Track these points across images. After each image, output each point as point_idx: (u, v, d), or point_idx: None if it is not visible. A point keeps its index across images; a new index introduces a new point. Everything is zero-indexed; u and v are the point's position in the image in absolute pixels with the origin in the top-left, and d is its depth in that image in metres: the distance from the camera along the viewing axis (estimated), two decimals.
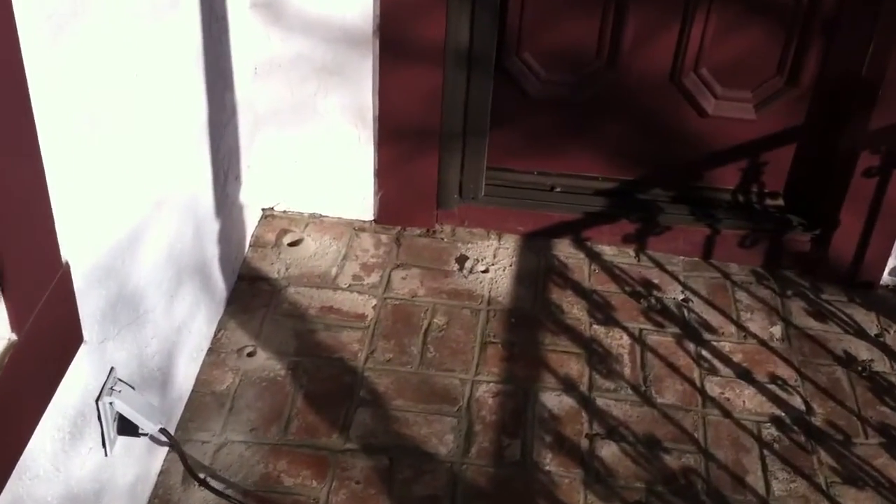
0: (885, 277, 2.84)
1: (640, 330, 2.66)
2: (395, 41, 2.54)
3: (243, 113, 2.57)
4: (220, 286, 2.56)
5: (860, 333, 2.71)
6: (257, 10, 2.52)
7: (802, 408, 2.47)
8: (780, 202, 2.85)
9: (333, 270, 2.77)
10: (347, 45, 2.56)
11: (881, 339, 2.69)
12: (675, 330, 2.67)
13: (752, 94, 2.68)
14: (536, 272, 2.83)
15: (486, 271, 2.81)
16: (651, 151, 2.81)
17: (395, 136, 2.72)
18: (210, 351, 2.49)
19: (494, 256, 2.87)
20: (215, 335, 2.53)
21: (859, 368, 2.59)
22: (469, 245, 2.91)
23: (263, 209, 2.92)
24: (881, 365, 2.62)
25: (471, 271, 2.81)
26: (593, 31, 2.61)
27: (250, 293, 2.67)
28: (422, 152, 2.75)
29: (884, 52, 2.45)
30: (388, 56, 2.56)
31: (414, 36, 2.52)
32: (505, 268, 2.84)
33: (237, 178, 2.59)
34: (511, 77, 2.71)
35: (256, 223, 2.89)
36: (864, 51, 2.52)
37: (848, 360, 2.62)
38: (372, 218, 2.92)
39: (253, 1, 2.51)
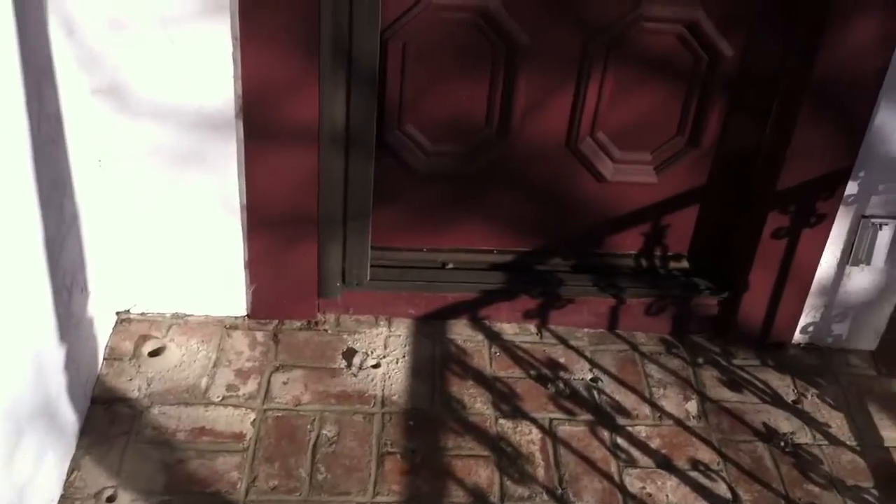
0: (797, 335, 2.70)
1: (551, 420, 2.44)
2: (261, 123, 2.23)
3: (87, 215, 2.21)
4: (71, 418, 2.20)
5: (777, 401, 2.56)
6: (100, 98, 2.16)
7: (728, 495, 2.30)
8: (686, 265, 2.68)
9: (203, 381, 2.44)
10: (207, 129, 2.24)
11: (799, 406, 2.55)
12: (588, 416, 2.46)
13: (652, 157, 2.49)
14: (433, 362, 2.56)
15: (377, 366, 2.53)
16: (548, 221, 2.59)
17: (267, 223, 2.41)
18: (62, 499, 2.12)
19: (385, 347, 2.59)
20: (68, 478, 2.17)
21: (781, 444, 2.43)
22: (356, 336, 2.62)
23: (118, 313, 2.56)
24: (803, 436, 2.47)
25: (360, 367, 2.52)
26: (481, 98, 2.37)
27: (107, 419, 2.31)
28: (298, 239, 2.45)
29: (789, 110, 2.30)
30: (254, 140, 2.26)
31: (282, 117, 2.22)
32: (398, 359, 2.56)
33: (83, 289, 2.23)
34: (394, 152, 2.44)
35: (110, 332, 2.52)
36: (767, 110, 2.37)
37: (769, 435, 2.46)
38: (245, 313, 2.60)
39: (93, 87, 2.15)
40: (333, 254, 2.49)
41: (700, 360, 2.67)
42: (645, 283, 2.65)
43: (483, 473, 2.28)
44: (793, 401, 2.57)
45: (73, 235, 2.11)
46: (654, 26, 2.26)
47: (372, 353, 2.57)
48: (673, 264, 2.68)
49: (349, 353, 2.55)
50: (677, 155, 2.48)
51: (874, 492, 2.33)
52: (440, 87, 2.35)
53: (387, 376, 2.51)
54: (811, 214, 2.42)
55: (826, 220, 2.42)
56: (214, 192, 2.35)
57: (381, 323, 2.66)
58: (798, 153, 2.32)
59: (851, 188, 2.40)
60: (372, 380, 2.49)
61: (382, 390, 2.47)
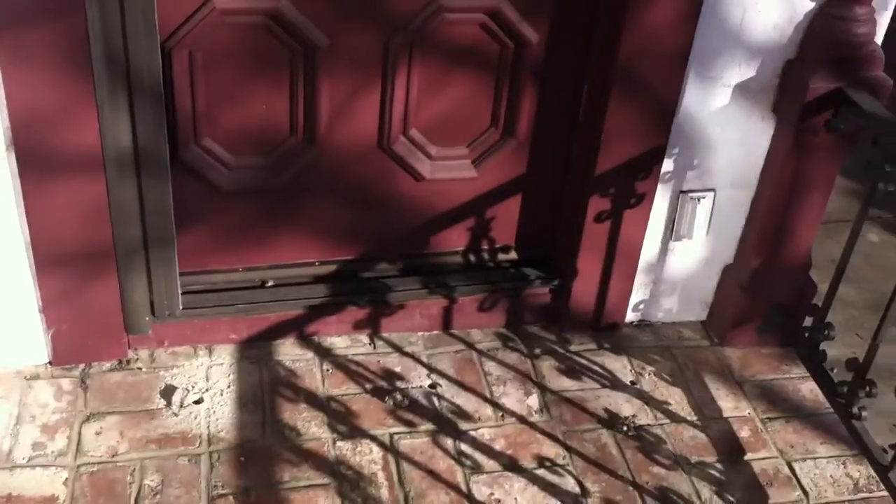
0: (629, 314, 2.69)
1: (391, 436, 2.32)
2: (36, 154, 2.00)
3: None
4: None
5: (617, 384, 2.54)
6: None
7: (577, 490, 2.25)
8: (514, 256, 2.61)
9: (6, 442, 2.19)
10: None
11: (637, 387, 2.54)
12: (429, 426, 2.36)
13: (469, 151, 2.40)
14: (261, 388, 2.40)
15: (199, 401, 2.35)
16: (370, 226, 2.46)
17: (57, 261, 2.18)
18: None
19: (207, 379, 2.41)
20: None
21: (624, 428, 2.41)
22: (174, 371, 2.42)
23: None
24: (644, 417, 2.45)
25: (181, 405, 2.33)
26: (283, 105, 2.21)
27: None
28: (95, 274, 2.22)
29: (600, 94, 2.25)
30: (31, 172, 2.03)
31: (59, 144, 2.00)
32: (222, 391, 2.38)
33: None
34: (193, 169, 2.25)
35: None
36: (579, 95, 2.32)
37: (611, 421, 2.43)
38: (47, 360, 2.35)
39: None
40: (137, 286, 2.28)
41: (538, 351, 2.61)
42: (475, 280, 2.56)
43: (324, 503, 2.15)
44: (631, 381, 2.55)
45: None
46: (455, 17, 2.16)
47: (193, 387, 2.38)
48: (502, 256, 2.61)
49: (168, 391, 2.35)
50: (494, 147, 2.39)
51: (718, 465, 2.34)
52: (237, 97, 2.17)
53: (211, 411, 2.33)
54: (631, 195, 2.39)
55: (646, 199, 2.40)
56: None
57: (201, 353, 2.47)
58: (612, 136, 2.28)
59: (667, 165, 2.39)
60: (195, 417, 2.31)
61: (208, 427, 2.29)
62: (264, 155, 2.29)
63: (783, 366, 2.65)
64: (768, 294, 2.57)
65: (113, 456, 2.19)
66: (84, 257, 2.18)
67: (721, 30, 2.18)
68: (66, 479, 2.13)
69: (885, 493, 2.21)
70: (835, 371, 2.35)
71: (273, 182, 2.31)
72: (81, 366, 2.38)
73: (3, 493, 2.08)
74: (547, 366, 2.57)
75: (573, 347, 2.64)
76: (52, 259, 2.16)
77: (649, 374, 2.58)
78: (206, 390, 2.38)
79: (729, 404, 2.52)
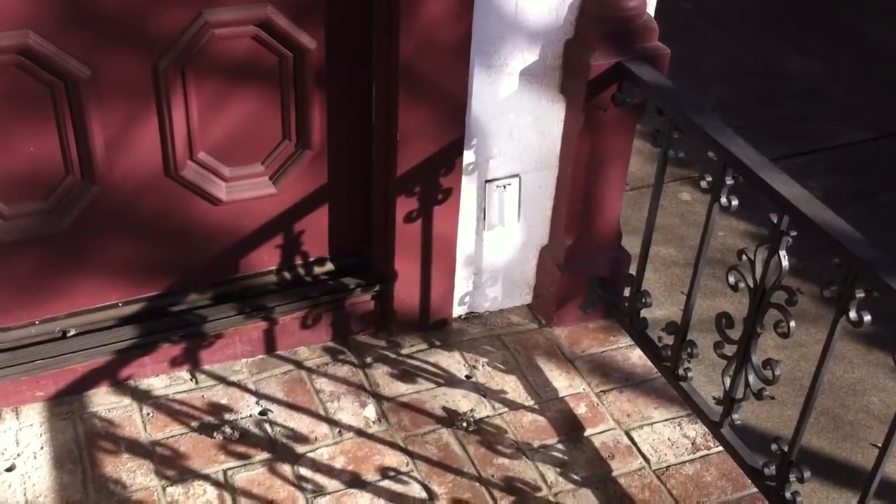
0: (457, 308, 2.67)
1: (225, 472, 2.23)
2: None
3: None
4: None
5: (451, 381, 2.51)
6: None
7: (424, 495, 2.22)
8: (331, 267, 2.55)
9: None
10: None
11: (473, 380, 2.52)
12: (264, 455, 2.27)
13: (265, 167, 2.32)
14: (77, 444, 2.26)
15: (11, 468, 2.19)
16: (171, 258, 2.35)
17: None
18: None
19: (17, 443, 2.25)
20: None
21: (464, 424, 2.39)
22: None
23: None
24: (483, 409, 2.44)
25: None
26: (53, 144, 2.06)
27: None
28: None
29: (387, 96, 2.21)
30: None
31: None
32: (35, 454, 2.23)
33: None
34: None
35: None
36: (367, 98, 2.26)
37: (450, 419, 2.41)
38: None
39: None
40: None
41: (369, 360, 2.56)
42: (293, 297, 2.48)
43: None
44: (466, 376, 2.53)
45: None
46: (224, 31, 2.06)
47: (2, 454, 2.21)
48: (318, 269, 2.54)
49: None
50: (290, 160, 2.31)
51: (560, 446, 2.35)
52: (0, 141, 2.01)
53: (26, 477, 2.17)
54: (437, 191, 2.36)
55: (453, 194, 2.38)
56: None
57: (7, 416, 2.31)
58: (408, 135, 2.23)
59: (469, 157, 2.37)
60: (10, 486, 2.15)
61: (24, 494, 2.13)
62: (41, 199, 2.13)
63: (610, 337, 2.69)
64: (585, 270, 2.60)
65: None
66: None
67: (498, 17, 2.16)
68: None
69: (721, 448, 2.26)
70: (661, 336, 2.39)
71: (55, 226, 2.17)
72: None
73: None
74: (380, 373, 2.52)
75: (404, 350, 2.59)
76: None
77: (483, 366, 2.57)
78: (18, 455, 2.22)
79: (563, 383, 2.53)
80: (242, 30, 2.08)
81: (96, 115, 2.05)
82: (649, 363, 2.51)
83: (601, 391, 2.52)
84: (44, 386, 2.30)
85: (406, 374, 2.53)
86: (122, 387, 2.40)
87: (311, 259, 2.52)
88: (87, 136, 2.07)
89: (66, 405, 2.34)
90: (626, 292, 2.49)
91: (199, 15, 2.01)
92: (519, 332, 2.69)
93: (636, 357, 2.61)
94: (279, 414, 2.38)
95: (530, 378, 2.54)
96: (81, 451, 2.24)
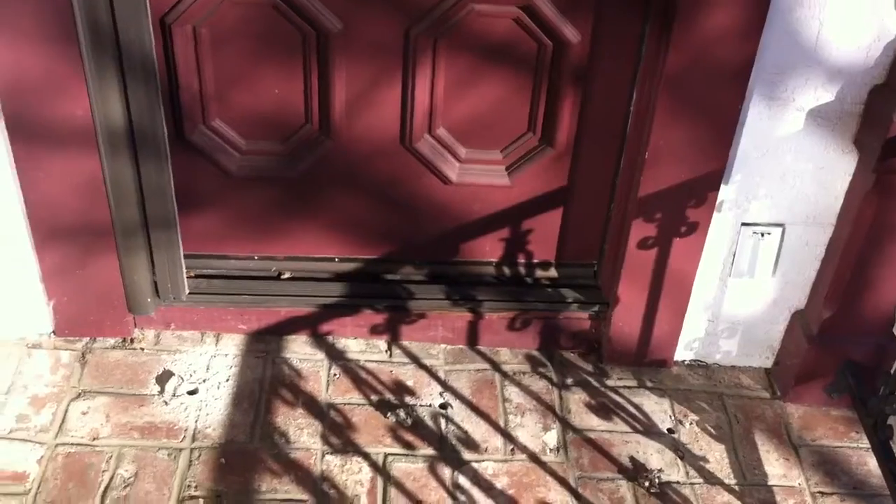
0: (682, 351, 2.40)
1: (386, 456, 2.14)
2: (27, 123, 1.92)
3: None
4: None
5: (650, 430, 2.27)
6: None
7: None
8: (553, 273, 2.37)
9: None
10: None
11: (674, 436, 2.26)
12: (429, 451, 2.17)
13: (503, 156, 2.17)
14: (260, 386, 2.27)
15: (194, 392, 2.24)
16: (393, 226, 2.28)
17: (56, 233, 2.10)
18: None
19: (208, 369, 2.30)
20: None
21: (647, 483, 2.14)
22: (177, 355, 2.32)
23: None
24: (674, 472, 2.18)
25: (174, 394, 2.22)
26: (297, 91, 2.05)
27: None
28: (95, 250, 2.14)
29: (646, 108, 1.98)
30: (22, 140, 1.95)
31: (49, 115, 1.91)
32: (220, 384, 2.26)
33: None
34: (201, 151, 2.12)
35: None
36: (625, 105, 2.05)
37: (635, 471, 2.17)
38: (51, 330, 2.29)
39: None
40: (138, 266, 2.18)
41: (569, 381, 2.37)
42: (506, 295, 2.34)
43: None
44: (668, 429, 2.27)
45: None
46: (485, 8, 1.93)
47: (191, 375, 2.27)
48: (540, 273, 2.38)
49: (164, 377, 2.26)
50: (530, 154, 2.16)
51: None
52: (248, 79, 2.03)
53: (204, 404, 2.21)
54: (681, 222, 2.11)
55: (698, 229, 2.11)
56: None
57: (208, 340, 2.37)
58: (659, 155, 2.00)
59: (726, 193, 2.09)
60: (185, 409, 2.20)
61: (196, 421, 2.17)
62: (278, 141, 2.13)
63: (851, 433, 2.31)
64: (840, 349, 2.24)
65: (93, 439, 2.11)
66: (82, 232, 2.10)
67: (792, 45, 1.86)
68: (42, 457, 2.06)
69: None
70: None
71: (287, 170, 2.16)
72: (85, 339, 2.32)
73: None
74: (576, 399, 2.33)
75: (609, 382, 2.38)
76: (50, 231, 2.09)
77: (691, 423, 2.29)
78: (204, 381, 2.27)
79: (778, 470, 2.21)
80: (505, 10, 1.93)
81: (341, 71, 2.01)
82: None
83: (819, 492, 2.17)
84: (247, 320, 2.33)
85: (603, 407, 2.31)
86: (319, 340, 2.39)
87: (535, 261, 2.36)
88: (329, 90, 2.03)
89: (263, 344, 2.36)
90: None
91: None
92: (746, 396, 2.38)
93: (874, 465, 2.21)
94: (458, 412, 2.26)
95: (741, 453, 2.24)
96: (262, 395, 2.25)
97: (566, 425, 2.26)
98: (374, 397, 2.27)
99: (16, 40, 1.79)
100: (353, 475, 2.10)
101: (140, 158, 2.01)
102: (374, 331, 2.37)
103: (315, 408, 2.23)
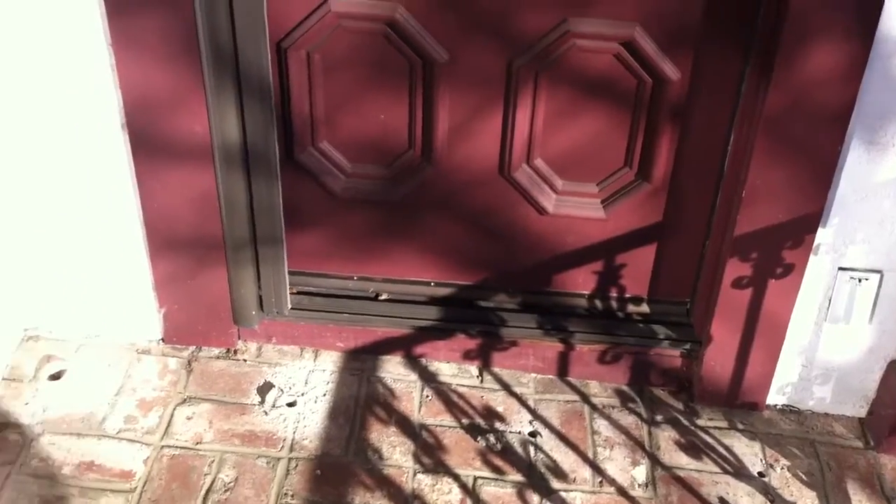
0: (774, 396, 2.38)
1: (475, 479, 2.19)
2: (148, 136, 2.06)
3: None
4: None
5: (741, 472, 2.25)
6: None
7: None
8: (645, 309, 2.39)
9: (102, 411, 2.27)
10: (92, 139, 2.07)
11: (765, 480, 2.23)
12: (518, 477, 2.20)
13: (599, 189, 2.21)
14: (356, 402, 2.34)
15: (292, 404, 2.32)
16: (488, 253, 2.34)
17: (169, 244, 2.23)
18: None
19: (306, 383, 2.38)
20: None
21: None
22: (277, 368, 2.42)
23: (26, 330, 2.42)
24: None
25: (274, 405, 2.32)
26: (402, 117, 2.13)
27: None
28: (206, 262, 2.26)
29: (744, 147, 2.00)
30: (144, 153, 2.08)
31: (171, 130, 2.04)
32: (317, 398, 2.35)
33: None
34: (309, 172, 2.23)
35: (15, 349, 2.38)
36: (723, 144, 2.07)
37: None
38: (159, 337, 2.43)
39: None
40: (245, 280, 2.29)
41: (659, 418, 2.37)
42: (598, 328, 2.37)
43: None
44: (759, 472, 2.25)
45: None
46: (586, 43, 1.98)
47: (290, 388, 2.37)
48: (632, 308, 2.39)
49: (265, 388, 2.36)
50: (626, 188, 2.19)
51: None
52: (356, 104, 2.12)
53: (302, 416, 2.30)
54: (777, 264, 2.10)
55: (794, 272, 2.10)
56: (111, 209, 2.19)
57: (307, 355, 2.46)
58: (756, 195, 2.01)
59: (823, 236, 2.08)
60: (284, 420, 2.29)
61: (294, 433, 2.26)
62: (382, 165, 2.22)
63: None
64: None
65: (197, 443, 2.21)
66: (195, 244, 2.22)
67: (893, 90, 1.85)
68: (148, 457, 2.17)
69: None
70: None
71: (390, 194, 2.25)
72: (192, 348, 2.44)
73: (86, 459, 2.16)
74: (665, 436, 2.33)
75: (700, 421, 2.37)
76: (165, 241, 2.22)
77: (782, 468, 2.27)
78: (302, 394, 2.35)
79: None
80: (605, 45, 1.98)
81: (445, 100, 2.09)
82: None
83: None
84: (345, 338, 2.42)
85: (693, 446, 2.31)
86: (412, 362, 2.45)
87: (627, 295, 2.38)
88: (432, 118, 2.11)
89: (359, 362, 2.44)
90: None
91: (564, 21, 1.96)
92: (839, 445, 2.34)
93: None
94: (547, 441, 2.29)
95: (832, 501, 2.20)
96: (357, 411, 2.32)
97: (655, 461, 2.26)
98: (464, 420, 2.32)
99: (143, 57, 1.92)
100: (443, 495, 2.14)
101: (252, 176, 2.13)
102: (467, 356, 2.42)
103: (407, 427, 2.29)
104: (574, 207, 2.23)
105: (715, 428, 2.35)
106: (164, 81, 1.95)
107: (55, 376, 2.34)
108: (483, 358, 2.42)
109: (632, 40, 1.96)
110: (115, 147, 2.07)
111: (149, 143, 2.05)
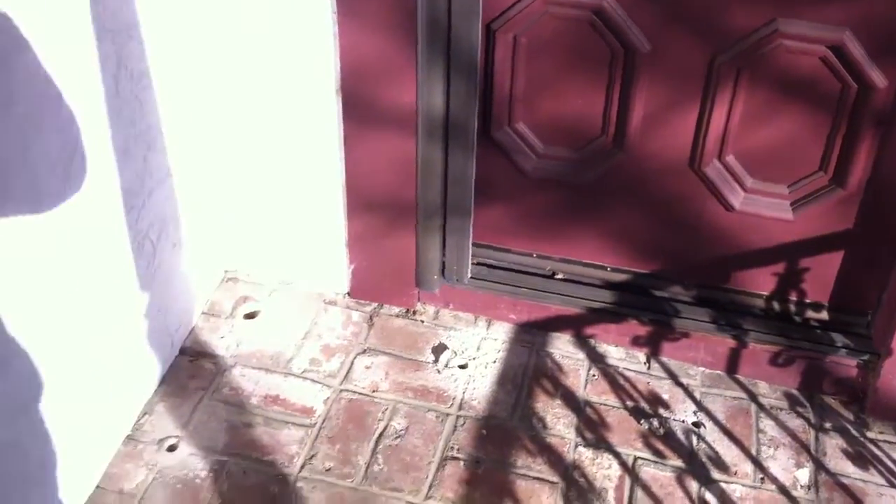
0: None
1: (635, 459, 2.24)
2: (358, 102, 2.20)
3: (182, 173, 2.26)
4: (153, 364, 2.29)
5: None
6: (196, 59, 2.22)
7: None
8: (825, 316, 2.37)
9: (289, 351, 2.46)
10: (308, 101, 2.23)
11: None
12: (679, 463, 2.24)
13: (789, 191, 2.21)
14: (524, 372, 2.43)
15: (464, 366, 2.44)
16: (668, 244, 2.37)
17: (366, 205, 2.38)
18: (128, 439, 2.22)
19: (478, 349, 2.50)
20: (138, 420, 2.26)
21: None
22: (451, 332, 2.54)
23: (226, 271, 2.63)
24: None
25: (447, 365, 2.44)
26: (597, 104, 2.19)
27: (189, 372, 2.39)
28: (397, 226, 2.40)
29: None
30: (353, 118, 2.23)
31: (381, 98, 2.17)
32: (487, 364, 2.45)
33: (176, 244, 2.30)
34: (503, 149, 2.32)
35: (216, 287, 2.60)
36: None
37: None
38: (346, 290, 2.59)
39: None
40: (432, 246, 2.42)
41: (827, 425, 2.35)
42: (773, 329, 2.37)
43: (545, 500, 2.14)
44: None
45: (162, 189, 2.17)
46: (793, 44, 1.98)
47: (463, 352, 2.48)
48: (811, 313, 2.38)
49: (439, 349, 2.48)
50: (819, 192, 2.17)
51: None
52: (554, 87, 2.20)
53: (472, 379, 2.41)
54: None
55: None
56: (317, 167, 2.35)
57: (480, 323, 2.57)
58: None
59: None
60: (455, 380, 2.41)
61: (463, 393, 2.38)
62: (573, 149, 2.29)
63: None
64: None
65: (373, 391, 2.36)
66: (389, 207, 2.36)
67: None
68: (328, 398, 2.34)
69: None
70: None
71: (578, 177, 2.32)
72: (374, 304, 2.59)
73: (272, 393, 2.34)
74: (832, 444, 2.31)
75: (870, 434, 2.33)
76: (362, 202, 2.37)
77: None
78: (474, 359, 2.46)
79: None
80: (812, 48, 1.98)
81: (643, 90, 2.13)
82: None
83: None
84: (519, 311, 2.51)
85: (860, 457, 2.28)
86: (581, 341, 2.52)
87: (807, 300, 2.37)
88: (628, 106, 2.16)
89: (529, 335, 2.53)
90: None
91: (773, 21, 1.96)
92: None
93: None
94: (711, 433, 2.31)
95: None
96: (524, 380, 2.41)
97: (820, 466, 2.25)
98: (629, 403, 2.37)
99: (363, 27, 2.05)
100: (602, 469, 2.21)
101: (450, 148, 2.24)
102: (636, 342, 2.47)
103: (572, 401, 2.37)
104: (762, 207, 2.24)
105: (885, 441, 2.32)
106: (381, 51, 2.08)
107: (250, 315, 2.54)
108: (652, 346, 2.46)
109: (841, 45, 1.95)
110: (328, 109, 2.23)
111: (359, 107, 2.19)
